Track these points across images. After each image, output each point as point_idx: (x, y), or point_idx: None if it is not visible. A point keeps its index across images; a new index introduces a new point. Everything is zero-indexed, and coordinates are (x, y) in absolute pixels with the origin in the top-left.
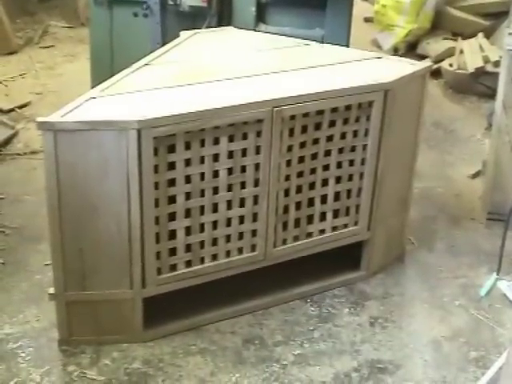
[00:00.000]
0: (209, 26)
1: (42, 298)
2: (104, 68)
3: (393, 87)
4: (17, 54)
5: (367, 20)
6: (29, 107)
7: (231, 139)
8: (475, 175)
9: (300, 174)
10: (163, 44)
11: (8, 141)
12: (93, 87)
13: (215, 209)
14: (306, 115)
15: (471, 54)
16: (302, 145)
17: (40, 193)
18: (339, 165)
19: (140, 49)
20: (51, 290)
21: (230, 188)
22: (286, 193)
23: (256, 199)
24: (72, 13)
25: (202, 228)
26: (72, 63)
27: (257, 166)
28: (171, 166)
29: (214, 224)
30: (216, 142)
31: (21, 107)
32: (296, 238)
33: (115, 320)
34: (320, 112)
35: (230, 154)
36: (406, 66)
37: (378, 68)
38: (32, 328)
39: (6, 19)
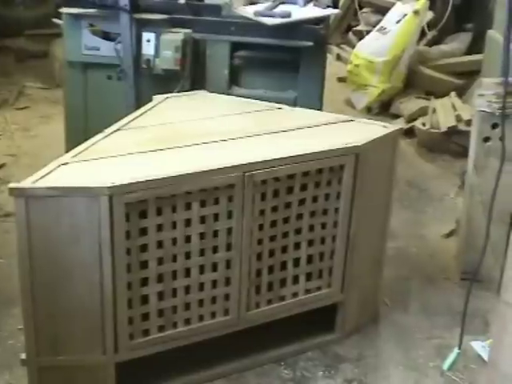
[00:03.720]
0: (182, 89)
1: (15, 364)
2: (78, 130)
3: (364, 150)
4: None
5: (341, 80)
6: (3, 169)
7: (203, 204)
8: (449, 234)
9: (272, 238)
10: (137, 106)
11: None
12: (67, 149)
13: (188, 273)
14: (277, 179)
15: (444, 113)
16: (274, 209)
17: (13, 256)
18: (311, 228)
19: (114, 111)
20: (23, 356)
21: (202, 253)
22: (259, 257)
23: (228, 263)
24: (47, 74)
25: (174, 293)
26: (47, 124)
27: (229, 231)
28: (143, 231)
29: (187, 289)
30: (188, 207)
31: None
32: (269, 302)
33: None
34: (291, 176)
35: (202, 219)
36: (378, 129)
37: (349, 131)
38: None
39: None
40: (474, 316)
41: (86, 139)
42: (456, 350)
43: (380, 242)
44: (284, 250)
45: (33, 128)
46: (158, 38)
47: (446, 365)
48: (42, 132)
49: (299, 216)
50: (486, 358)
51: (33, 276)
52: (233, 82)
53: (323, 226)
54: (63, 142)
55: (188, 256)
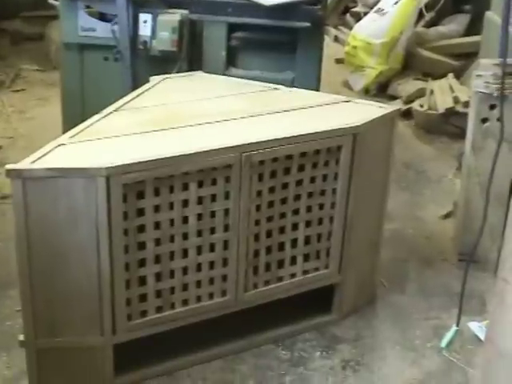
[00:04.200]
0: (179, 71)
1: (13, 345)
2: (75, 112)
3: (361, 131)
4: None
5: (339, 61)
6: (0, 151)
7: (200, 185)
8: (446, 216)
9: (270, 219)
10: (134, 88)
11: None
12: (64, 131)
13: (185, 254)
14: (275, 160)
15: (441, 94)
16: (272, 190)
17: (10, 238)
18: (309, 209)
19: (111, 93)
20: (21, 337)
21: (199, 233)
22: (256, 237)
23: (226, 244)
24: (43, 56)
25: (172, 274)
26: (44, 107)
27: (226, 212)
28: (140, 212)
29: (184, 270)
30: (185, 187)
31: None
32: (267, 283)
33: (86, 367)
34: (289, 157)
35: (200, 200)
36: (375, 109)
37: (347, 112)
38: (2, 376)
39: None
40: (471, 297)
41: (82, 121)
42: (454, 328)
43: (377, 224)
44: (281, 230)
45: (29, 110)
46: (154, 19)
47: (443, 342)
48: (39, 114)
49: (297, 197)
50: (482, 338)
51: (30, 258)
52: (230, 63)
53: (321, 206)
54: (60, 124)
55: (185, 237)
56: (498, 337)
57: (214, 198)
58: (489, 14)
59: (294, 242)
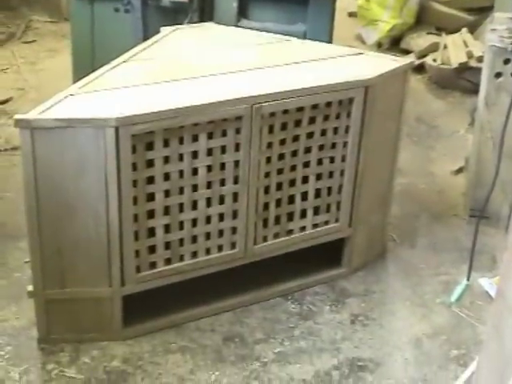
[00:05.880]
0: (190, 22)
1: (22, 296)
2: (86, 63)
3: (373, 84)
4: None
5: (351, 15)
6: (10, 103)
7: (210, 136)
8: (458, 171)
9: (280, 171)
10: (145, 39)
11: None
12: (74, 82)
13: (194, 206)
14: (285, 112)
15: (455, 49)
16: (282, 142)
17: (20, 190)
18: (319, 162)
19: (121, 44)
20: (30, 288)
21: (209, 185)
22: (266, 190)
23: (236, 196)
24: (55, 7)
25: (181, 225)
26: (54, 58)
27: (236, 163)
28: (149, 163)
29: (194, 221)
30: (195, 139)
31: (2, 103)
32: (276, 236)
33: (94, 318)
34: (300, 109)
35: (209, 152)
36: (388, 62)
37: (359, 64)
38: (11, 326)
39: None
40: (482, 253)
41: (93, 72)
42: (464, 282)
43: (388, 178)
44: (292, 183)
45: (40, 62)
46: None
47: (453, 297)
48: (49, 66)
49: (307, 149)
50: (493, 294)
51: (39, 209)
52: (241, 15)
53: (331, 159)
54: (70, 76)
55: (195, 188)
56: (509, 291)
57: (223, 149)
58: None
59: (304, 195)
